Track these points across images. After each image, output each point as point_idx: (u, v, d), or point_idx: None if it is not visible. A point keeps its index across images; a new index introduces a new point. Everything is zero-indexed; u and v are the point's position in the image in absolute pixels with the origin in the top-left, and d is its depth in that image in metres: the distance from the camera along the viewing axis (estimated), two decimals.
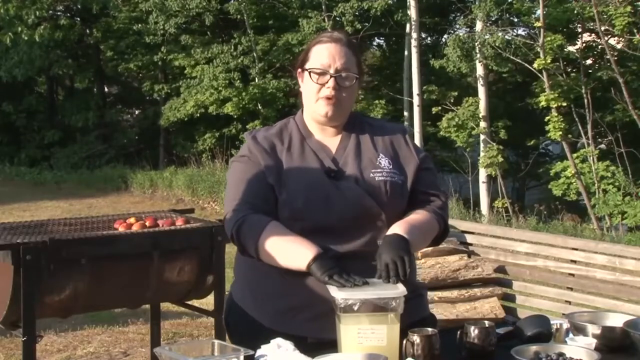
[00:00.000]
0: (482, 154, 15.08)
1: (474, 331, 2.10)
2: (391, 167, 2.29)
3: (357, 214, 2.22)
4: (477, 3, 15.28)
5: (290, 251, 2.16)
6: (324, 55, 2.29)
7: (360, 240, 2.22)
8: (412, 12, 16.34)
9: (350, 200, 2.22)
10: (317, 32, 16.93)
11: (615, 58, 13.97)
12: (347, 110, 2.35)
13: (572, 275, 4.45)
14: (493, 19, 16.26)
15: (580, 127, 14.66)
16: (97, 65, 22.46)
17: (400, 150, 2.34)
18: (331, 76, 2.26)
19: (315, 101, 2.30)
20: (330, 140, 2.34)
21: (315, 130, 2.35)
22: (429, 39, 21.46)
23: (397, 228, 2.19)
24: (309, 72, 2.30)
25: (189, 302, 3.73)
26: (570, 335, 2.23)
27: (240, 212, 2.24)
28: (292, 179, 2.25)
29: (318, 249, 2.13)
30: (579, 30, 15.94)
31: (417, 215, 2.27)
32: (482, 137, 15.26)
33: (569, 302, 4.39)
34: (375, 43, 22.14)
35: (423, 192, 2.32)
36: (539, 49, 14.13)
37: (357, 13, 16.77)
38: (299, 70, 2.36)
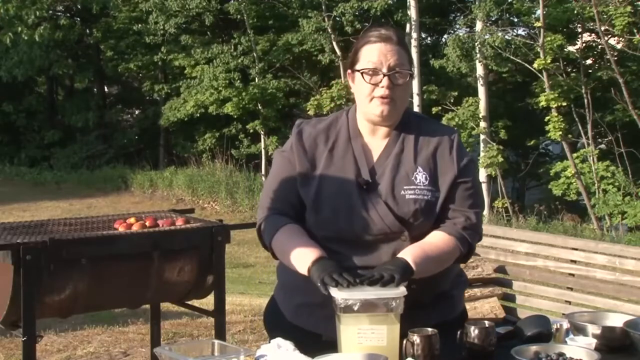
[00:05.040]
0: (482, 154, 15.08)
1: (474, 331, 2.10)
2: (426, 183, 2.23)
3: (378, 231, 2.20)
4: (477, 3, 15.29)
5: (295, 255, 2.18)
6: (375, 54, 2.23)
7: (382, 255, 2.21)
8: (412, 12, 16.34)
9: (374, 217, 2.20)
10: (317, 32, 16.98)
11: (615, 58, 13.98)
12: (402, 108, 2.29)
13: (572, 275, 4.44)
14: (493, 19, 16.27)
15: (580, 127, 14.67)
16: (97, 65, 22.47)
17: (442, 161, 2.26)
18: (384, 75, 2.21)
19: (369, 102, 2.24)
20: (377, 143, 2.29)
21: (365, 130, 2.30)
22: (429, 39, 21.47)
23: (409, 253, 2.15)
24: (361, 73, 2.24)
25: (189, 302, 3.73)
26: (570, 335, 2.23)
27: (266, 211, 2.30)
28: (323, 187, 2.24)
29: (320, 253, 2.13)
30: (579, 30, 15.95)
31: (437, 241, 2.21)
32: (482, 137, 15.27)
33: (569, 302, 4.38)
34: None
35: (454, 209, 2.25)
36: (539, 49, 14.13)
37: (357, 13, 16.78)
38: (349, 71, 2.32)
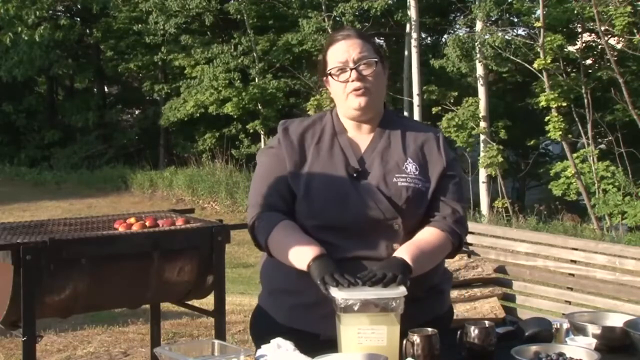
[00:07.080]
0: (482, 154, 15.08)
1: (474, 331, 2.10)
2: (417, 173, 2.26)
3: (372, 217, 2.20)
4: (477, 3, 15.28)
5: (294, 252, 2.17)
6: (339, 53, 2.29)
7: (375, 244, 2.21)
8: (412, 12, 16.34)
9: (367, 203, 2.21)
10: (317, 32, 16.98)
11: (615, 58, 13.97)
12: (380, 98, 2.34)
13: (572, 275, 4.44)
14: (493, 19, 16.27)
15: (580, 127, 14.67)
16: (97, 65, 22.47)
17: (430, 155, 2.31)
18: (351, 69, 2.27)
19: (345, 98, 2.30)
20: (363, 138, 2.33)
21: (350, 127, 2.34)
22: (429, 39, 21.47)
23: (405, 252, 2.16)
24: (330, 75, 2.31)
25: (189, 302, 3.73)
26: (570, 335, 2.23)
27: (258, 208, 2.29)
28: (314, 177, 2.26)
29: (320, 250, 2.13)
30: (579, 30, 15.95)
31: (430, 237, 2.23)
32: (482, 137, 15.27)
33: (569, 302, 4.38)
34: None
35: (443, 201, 2.28)
36: (539, 49, 14.13)
37: (357, 13, 16.78)
38: (324, 79, 2.37)
